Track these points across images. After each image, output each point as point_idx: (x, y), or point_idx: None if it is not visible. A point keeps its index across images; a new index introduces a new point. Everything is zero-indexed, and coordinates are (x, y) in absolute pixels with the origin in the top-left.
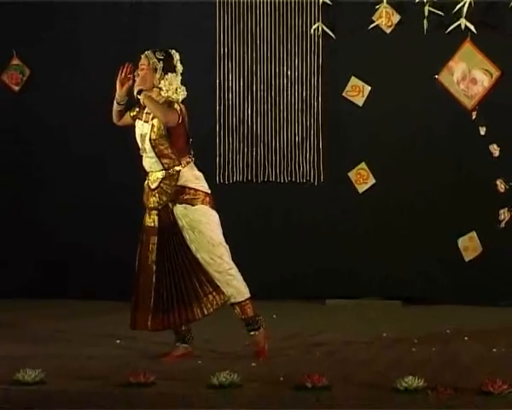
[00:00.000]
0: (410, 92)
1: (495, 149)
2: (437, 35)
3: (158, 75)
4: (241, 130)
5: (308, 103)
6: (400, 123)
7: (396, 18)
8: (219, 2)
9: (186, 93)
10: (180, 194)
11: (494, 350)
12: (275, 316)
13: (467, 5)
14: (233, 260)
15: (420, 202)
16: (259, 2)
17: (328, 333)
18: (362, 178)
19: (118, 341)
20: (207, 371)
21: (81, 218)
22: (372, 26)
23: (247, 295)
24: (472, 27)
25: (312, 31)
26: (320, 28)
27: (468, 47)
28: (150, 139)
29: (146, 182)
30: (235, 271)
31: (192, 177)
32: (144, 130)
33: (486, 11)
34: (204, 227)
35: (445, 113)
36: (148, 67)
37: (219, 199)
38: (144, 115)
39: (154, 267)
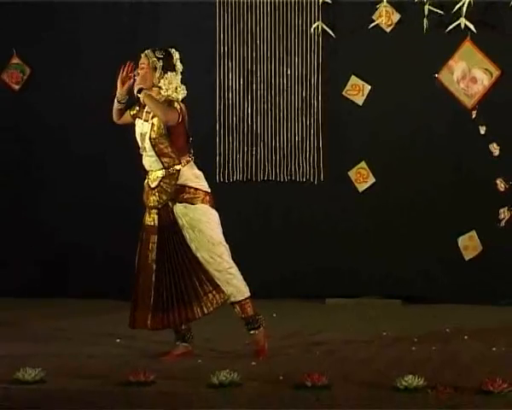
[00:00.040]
0: (409, 91)
1: (495, 148)
2: (437, 34)
3: (157, 74)
4: (241, 129)
5: (308, 102)
6: (400, 122)
7: (396, 17)
8: (219, 2)
9: (186, 92)
10: (180, 193)
11: (494, 349)
12: (275, 315)
13: (466, 4)
14: (233, 258)
15: (420, 200)
16: (259, 2)
17: (328, 332)
18: (362, 177)
19: (118, 340)
20: (207, 370)
21: (81, 217)
22: (372, 25)
23: (247, 294)
24: (472, 27)
25: (312, 30)
26: (320, 27)
27: (467, 46)
28: (150, 138)
29: (146, 181)
30: (234, 270)
31: (192, 176)
32: (144, 129)
33: (486, 10)
34: (204, 226)
35: (445, 112)
36: (147, 66)
37: (219, 198)
38: (144, 114)
39: (154, 266)
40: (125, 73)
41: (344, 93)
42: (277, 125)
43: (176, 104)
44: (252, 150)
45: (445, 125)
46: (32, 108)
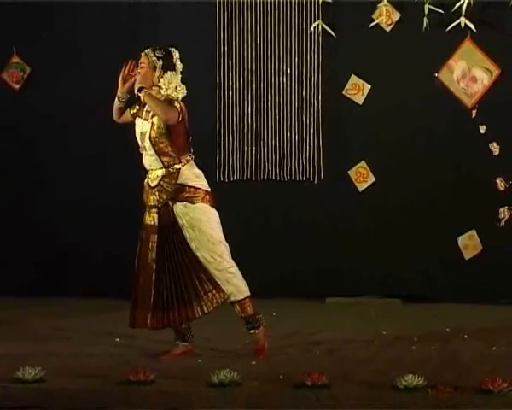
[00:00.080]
0: (409, 91)
1: (495, 148)
2: (437, 33)
3: (157, 73)
4: (241, 128)
5: (308, 102)
6: (400, 121)
7: (396, 16)
8: (219, 2)
9: (186, 91)
10: (180, 192)
11: (494, 348)
12: (275, 314)
13: (466, 3)
14: (233, 258)
15: (420, 200)
16: (259, 2)
17: (328, 331)
18: (362, 177)
19: (118, 339)
20: (207, 369)
21: (81, 217)
22: (372, 24)
23: (247, 293)
24: (472, 26)
25: (312, 29)
26: (320, 26)
27: (467, 45)
28: (150, 137)
29: (146, 180)
30: (235, 269)
31: (192, 175)
32: (144, 128)
33: (486, 10)
34: (204, 225)
35: (445, 111)
36: (147, 65)
37: (219, 197)
38: (144, 113)
39: (154, 266)
40: (126, 71)
41: (344, 92)
42: (277, 124)
43: (176, 103)
44: (252, 149)
45: (445, 125)
46: (32, 107)
